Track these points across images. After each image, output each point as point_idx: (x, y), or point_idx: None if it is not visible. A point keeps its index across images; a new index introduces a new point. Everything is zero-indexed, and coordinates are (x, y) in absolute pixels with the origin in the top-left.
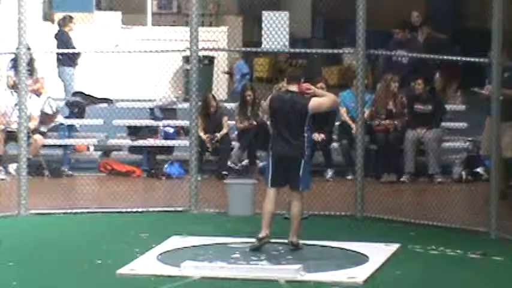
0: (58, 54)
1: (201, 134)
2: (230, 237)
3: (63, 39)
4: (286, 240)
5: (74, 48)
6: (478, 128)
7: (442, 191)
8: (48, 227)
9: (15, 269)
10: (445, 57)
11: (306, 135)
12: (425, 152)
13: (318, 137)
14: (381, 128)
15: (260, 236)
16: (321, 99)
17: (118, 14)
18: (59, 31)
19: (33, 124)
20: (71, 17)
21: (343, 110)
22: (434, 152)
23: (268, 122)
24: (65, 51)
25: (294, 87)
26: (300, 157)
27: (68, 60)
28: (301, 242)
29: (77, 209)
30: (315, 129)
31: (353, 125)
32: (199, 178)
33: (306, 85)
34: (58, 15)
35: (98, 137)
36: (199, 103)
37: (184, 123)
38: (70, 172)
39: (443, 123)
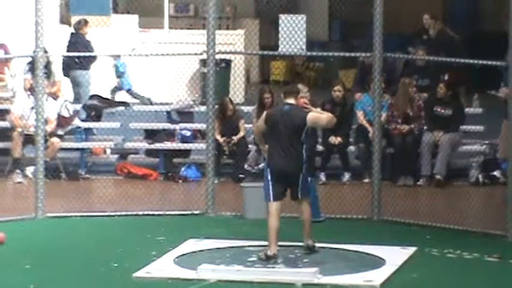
0: (75, 57)
1: (218, 137)
2: (247, 241)
3: (79, 43)
4: (302, 244)
5: (92, 51)
6: (494, 131)
7: (458, 194)
8: (65, 230)
9: (32, 272)
10: (462, 60)
11: (303, 146)
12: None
13: (335, 140)
14: (398, 132)
15: (269, 253)
16: (319, 114)
17: (135, 17)
18: (74, 34)
19: (50, 127)
20: (86, 21)
21: (359, 114)
22: (444, 154)
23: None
24: (82, 55)
25: (291, 100)
26: (298, 171)
27: (85, 63)
28: (318, 245)
29: (93, 212)
30: (331, 133)
31: (370, 128)
32: (216, 181)
33: (303, 100)
34: (75, 19)
35: (114, 140)
36: (216, 106)
37: (201, 126)
38: (87, 175)
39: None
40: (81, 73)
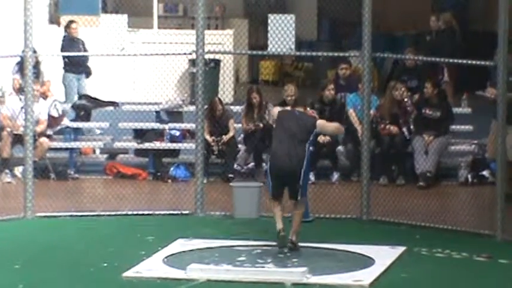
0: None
1: (207, 136)
2: (236, 240)
3: (72, 45)
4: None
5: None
6: (483, 131)
7: (447, 193)
8: (54, 229)
9: (21, 272)
10: (450, 60)
11: (307, 149)
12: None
13: (324, 139)
14: (387, 132)
15: (277, 228)
16: (327, 123)
17: (124, 17)
18: (66, 36)
19: (40, 127)
20: (71, 21)
21: (351, 111)
22: (433, 158)
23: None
24: (71, 54)
25: (300, 109)
26: (299, 170)
27: (70, 66)
28: (307, 244)
29: (82, 211)
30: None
31: (359, 128)
32: (205, 181)
33: (312, 111)
34: (64, 18)
35: (104, 139)
36: (206, 106)
37: (190, 126)
38: (76, 175)
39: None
40: (64, 75)
